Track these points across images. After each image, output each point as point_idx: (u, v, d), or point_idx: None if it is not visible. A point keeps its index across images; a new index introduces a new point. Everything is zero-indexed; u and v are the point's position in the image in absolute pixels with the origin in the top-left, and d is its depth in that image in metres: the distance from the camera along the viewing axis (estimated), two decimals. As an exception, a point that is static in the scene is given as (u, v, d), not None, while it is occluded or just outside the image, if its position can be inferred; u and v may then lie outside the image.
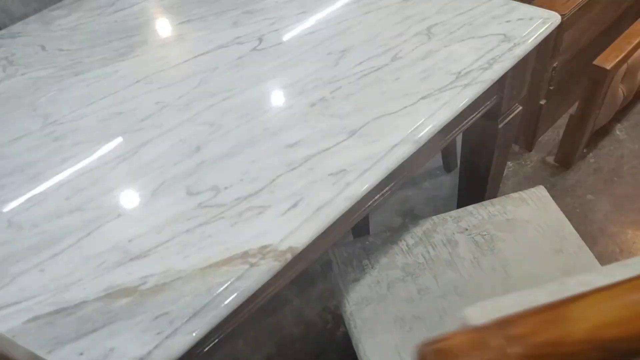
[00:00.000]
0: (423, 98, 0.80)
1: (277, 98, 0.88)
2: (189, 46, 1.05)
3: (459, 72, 0.83)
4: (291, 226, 0.66)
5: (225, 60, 0.99)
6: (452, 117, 0.76)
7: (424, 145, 0.76)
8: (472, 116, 0.88)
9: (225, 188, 0.73)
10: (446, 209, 1.19)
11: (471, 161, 1.12)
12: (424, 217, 1.08)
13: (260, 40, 1.02)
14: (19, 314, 0.63)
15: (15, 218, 0.75)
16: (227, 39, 1.05)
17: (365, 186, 0.67)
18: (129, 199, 0.75)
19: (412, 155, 0.74)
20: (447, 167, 1.62)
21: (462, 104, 0.77)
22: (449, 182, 1.57)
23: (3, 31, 1.23)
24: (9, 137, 0.91)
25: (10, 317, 0.63)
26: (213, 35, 1.07)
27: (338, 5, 1.07)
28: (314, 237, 0.64)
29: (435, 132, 0.75)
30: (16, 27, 1.23)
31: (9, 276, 0.68)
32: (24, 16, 1.32)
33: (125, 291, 0.63)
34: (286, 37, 1.02)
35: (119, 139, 0.86)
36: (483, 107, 0.91)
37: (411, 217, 1.51)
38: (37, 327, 0.61)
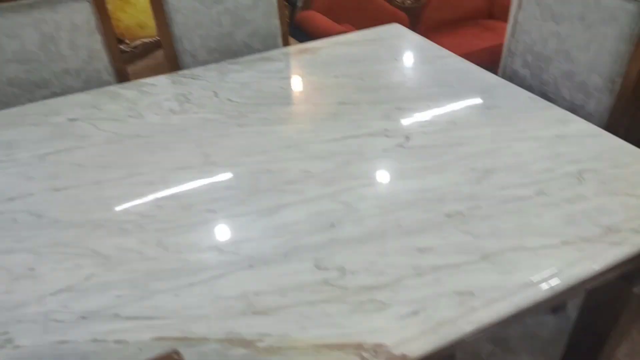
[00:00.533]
0: (565, 243, 0.79)
1: (415, 199, 0.91)
2: (341, 126, 1.14)
3: (609, 227, 0.81)
4: (409, 333, 0.67)
5: (371, 148, 1.06)
6: (594, 274, 0.74)
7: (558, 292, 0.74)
8: (608, 274, 0.85)
9: (352, 272, 0.77)
10: (544, 353, 1.11)
11: (590, 319, 1.05)
12: (518, 352, 1.02)
13: (407, 138, 1.09)
14: (149, 329, 0.70)
15: (164, 240, 0.85)
16: (376, 128, 1.13)
17: (493, 317, 0.67)
18: (262, 253, 0.81)
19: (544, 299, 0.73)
20: (553, 307, 1.52)
21: (607, 262, 0.75)
22: (553, 324, 1.47)
23: (187, 71, 1.43)
24: (174, 165, 1.04)
25: (141, 330, 0.70)
26: (364, 122, 1.16)
27: (488, 125, 1.12)
28: (429, 352, 0.64)
29: (573, 283, 0.73)
30: (198, 71, 1.43)
31: (149, 291, 0.76)
32: (205, 62, 1.53)
33: (244, 342, 0.67)
34: (433, 142, 1.07)
35: (264, 195, 0.94)
36: (623, 267, 0.87)
37: (503, 348, 1.42)
38: (162, 348, 0.67)
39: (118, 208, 0.92)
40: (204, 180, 0.99)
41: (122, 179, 1.00)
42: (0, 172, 1.04)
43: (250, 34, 1.57)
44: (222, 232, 0.86)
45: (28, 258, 0.82)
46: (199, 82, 1.37)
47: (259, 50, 1.60)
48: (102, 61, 1.43)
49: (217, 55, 1.54)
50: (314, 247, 0.82)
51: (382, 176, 1.00)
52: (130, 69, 2.44)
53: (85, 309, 0.73)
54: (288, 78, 1.38)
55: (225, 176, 1.00)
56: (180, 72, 1.43)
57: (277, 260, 0.80)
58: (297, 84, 1.35)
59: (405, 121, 1.16)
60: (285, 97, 1.28)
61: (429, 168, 0.99)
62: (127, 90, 1.34)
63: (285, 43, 1.66)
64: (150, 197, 0.95)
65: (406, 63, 1.43)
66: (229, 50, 1.56)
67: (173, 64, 1.53)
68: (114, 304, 0.74)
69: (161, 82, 1.38)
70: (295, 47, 1.56)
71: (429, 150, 1.05)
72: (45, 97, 1.40)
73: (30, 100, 1.39)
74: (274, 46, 1.63)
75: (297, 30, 2.34)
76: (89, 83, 1.43)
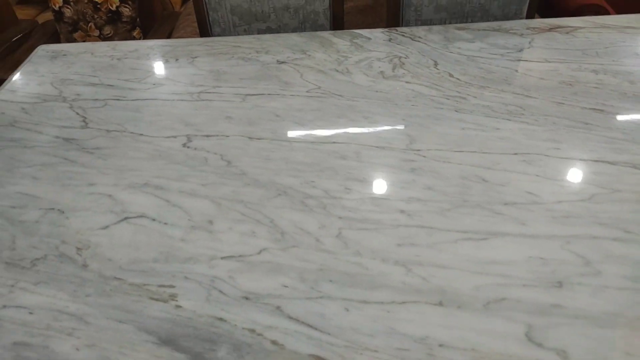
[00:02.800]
0: None
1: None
2: (594, 144, 0.87)
3: None
4: None
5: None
6: None
7: None
8: None
9: (578, 364, 0.56)
10: None
11: None
12: None
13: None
14: (309, 341, 0.59)
15: (345, 233, 0.73)
16: (642, 157, 0.83)
17: None
18: (458, 291, 0.64)
19: None
20: None
21: None
22: None
23: (406, 29, 1.26)
24: (371, 140, 0.91)
25: (300, 338, 0.60)
26: (624, 144, 0.86)
27: None
28: None
29: None
30: (419, 31, 1.24)
31: (317, 292, 0.65)
32: (429, 22, 1.34)
33: (414, 407, 0.53)
34: None
35: (473, 211, 0.75)
36: None
37: None
38: (317, 373, 0.57)
39: (305, 177, 0.83)
40: (402, 170, 0.84)
41: (313, 144, 0.90)
42: (212, 105, 1.03)
43: (490, -4, 1.31)
44: (412, 246, 0.71)
45: (209, 208, 0.78)
46: (418, 44, 1.19)
47: (495, 18, 1.33)
48: (322, 3, 1.33)
49: (444, 15, 1.33)
50: (527, 306, 0.62)
51: (641, 230, 0.72)
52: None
53: (250, 288, 0.66)
54: (528, 60, 1.11)
55: (427, 171, 0.83)
56: (400, 29, 1.26)
57: (475, 307, 0.62)
58: (538, 70, 1.08)
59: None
60: (520, 85, 1.03)
61: None
62: (339, 39, 1.23)
63: (531, 14, 1.36)
64: (340, 174, 0.83)
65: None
66: (460, 12, 1.33)
67: (393, 17, 1.37)
68: (279, 293, 0.65)
69: (376, 37, 1.23)
70: (543, 21, 1.26)
71: None
72: (260, 31, 1.38)
73: (246, 32, 1.38)
74: (516, 15, 1.35)
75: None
76: (305, 23, 1.36)
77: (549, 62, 1.10)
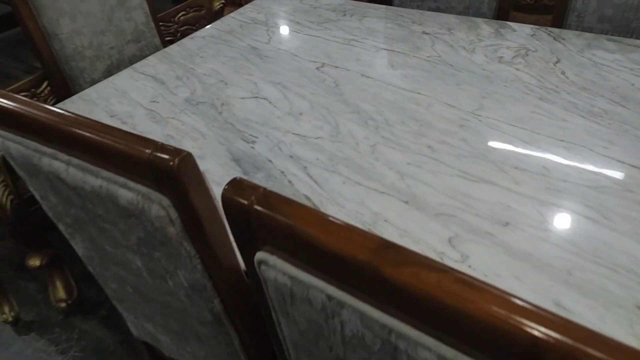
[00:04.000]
0: None
1: None
2: (650, 154, 0.87)
3: None
4: None
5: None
6: None
7: None
8: None
9: None
10: None
11: None
12: None
13: None
14: (308, 189, 0.88)
15: (378, 146, 0.96)
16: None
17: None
18: (425, 199, 0.82)
19: None
20: None
21: None
22: None
23: (556, 29, 1.31)
24: (451, 103, 1.09)
25: (299, 184, 0.88)
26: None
27: None
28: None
29: None
30: (568, 34, 1.29)
31: (333, 168, 0.92)
32: (590, 29, 1.35)
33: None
34: None
35: (483, 164, 0.89)
36: None
37: None
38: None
39: (379, 108, 1.07)
40: (454, 123, 1.01)
41: (402, 90, 1.12)
42: (353, 50, 1.33)
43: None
44: (417, 167, 0.90)
45: (306, 106, 1.11)
46: (556, 44, 1.25)
47: (664, 39, 1.27)
48: (489, -5, 1.47)
49: (606, 27, 1.32)
50: (468, 226, 0.76)
51: None
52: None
53: (296, 152, 0.97)
54: (657, 80, 1.08)
55: (474, 130, 0.98)
56: (550, 29, 1.32)
57: (429, 212, 0.80)
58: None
59: None
60: (624, 96, 1.04)
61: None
62: (487, 26, 1.37)
63: None
64: (406, 114, 1.05)
65: None
66: (626, 26, 1.30)
67: (558, 20, 1.42)
68: (311, 162, 0.94)
69: (522, 31, 1.33)
70: None
71: None
72: (430, 8, 1.59)
73: (419, 7, 1.61)
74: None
75: None
76: (469, 9, 1.52)
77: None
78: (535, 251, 0.72)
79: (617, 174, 0.85)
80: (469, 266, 0.71)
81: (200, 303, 0.68)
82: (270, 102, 1.13)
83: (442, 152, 0.93)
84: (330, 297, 0.42)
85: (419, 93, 1.12)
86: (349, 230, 0.41)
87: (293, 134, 1.03)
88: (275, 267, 0.45)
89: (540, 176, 0.85)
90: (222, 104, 1.15)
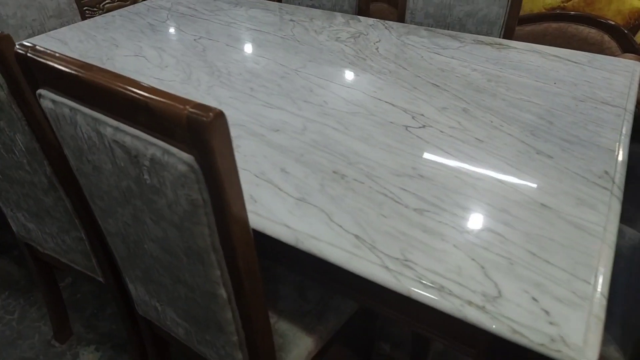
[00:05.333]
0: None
1: None
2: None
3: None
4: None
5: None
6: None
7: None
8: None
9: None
10: None
11: None
12: None
13: (431, 130, 1.06)
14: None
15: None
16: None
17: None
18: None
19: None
20: None
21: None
22: None
23: (392, 22, 1.65)
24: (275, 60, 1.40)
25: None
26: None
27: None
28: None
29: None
30: (399, 26, 1.63)
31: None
32: (420, 24, 1.69)
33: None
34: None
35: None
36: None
37: None
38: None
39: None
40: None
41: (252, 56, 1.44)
42: (226, 28, 1.65)
43: (468, 13, 1.60)
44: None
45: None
46: (387, 31, 1.59)
47: (470, 32, 1.62)
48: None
49: (430, 21, 1.68)
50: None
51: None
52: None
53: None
54: (439, 54, 1.41)
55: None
56: (388, 22, 1.66)
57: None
58: (438, 60, 1.38)
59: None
60: (409, 63, 1.37)
61: None
62: (341, 18, 1.71)
63: (508, 35, 1.60)
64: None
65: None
66: (443, 22, 1.66)
67: (400, 17, 1.76)
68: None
69: (366, 22, 1.67)
70: (491, 39, 1.51)
71: None
72: (307, 5, 1.93)
73: (299, 4, 1.95)
74: (487, 34, 1.61)
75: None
76: (335, 6, 1.87)
77: (454, 58, 1.39)
78: (288, 145, 1.02)
79: (372, 106, 1.16)
80: (240, 152, 1.00)
81: (37, 170, 0.95)
82: (146, 59, 1.42)
83: (258, 92, 1.23)
84: (71, 109, 0.71)
85: (262, 57, 1.43)
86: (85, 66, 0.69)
87: (154, 78, 1.31)
88: (47, 97, 0.73)
89: (318, 106, 1.16)
90: (108, 58, 1.43)
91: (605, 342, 0.99)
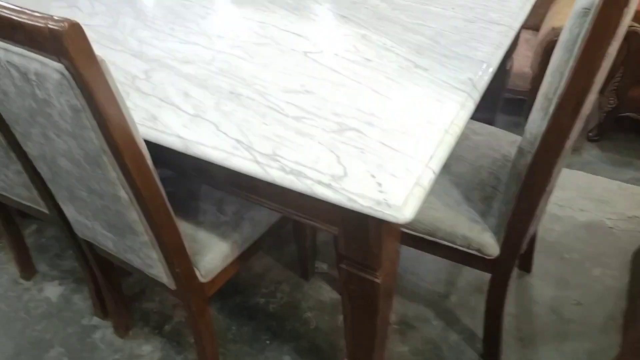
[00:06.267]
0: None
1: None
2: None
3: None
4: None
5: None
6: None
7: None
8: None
9: (149, 82, 1.10)
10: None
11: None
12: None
13: (330, 55, 1.17)
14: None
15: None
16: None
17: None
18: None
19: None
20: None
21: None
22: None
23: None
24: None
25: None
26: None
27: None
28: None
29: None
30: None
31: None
32: None
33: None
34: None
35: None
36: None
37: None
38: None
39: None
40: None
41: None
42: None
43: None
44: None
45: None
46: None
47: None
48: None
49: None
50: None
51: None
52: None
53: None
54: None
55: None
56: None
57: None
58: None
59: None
60: None
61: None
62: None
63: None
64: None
65: None
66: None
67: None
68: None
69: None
70: None
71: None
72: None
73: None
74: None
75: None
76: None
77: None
78: (195, 73, 1.12)
79: (280, 38, 1.25)
80: (150, 82, 1.10)
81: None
82: (78, 8, 1.50)
83: (179, 31, 1.32)
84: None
85: (189, 1, 1.51)
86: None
87: (84, 24, 1.39)
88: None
89: (230, 40, 1.26)
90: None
91: (482, 230, 1.13)
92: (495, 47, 1.14)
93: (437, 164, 0.82)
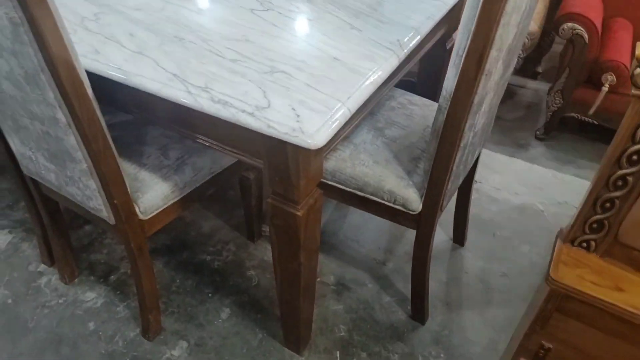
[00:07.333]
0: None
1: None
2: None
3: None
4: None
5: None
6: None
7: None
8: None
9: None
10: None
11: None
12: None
13: (277, 15, 1.24)
14: None
15: None
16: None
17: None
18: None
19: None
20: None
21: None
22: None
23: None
24: None
25: None
26: None
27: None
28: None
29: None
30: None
31: None
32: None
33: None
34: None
35: None
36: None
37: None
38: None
39: None
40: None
41: None
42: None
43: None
44: None
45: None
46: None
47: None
48: None
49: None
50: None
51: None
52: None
53: None
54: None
55: None
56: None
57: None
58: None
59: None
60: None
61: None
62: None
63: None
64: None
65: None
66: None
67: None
68: None
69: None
70: None
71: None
72: None
73: None
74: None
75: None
76: None
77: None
78: (143, 19, 1.17)
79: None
80: (99, 23, 1.15)
81: None
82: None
83: None
84: None
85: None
86: None
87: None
88: None
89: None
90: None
91: (406, 186, 1.22)
92: (426, 18, 1.24)
93: (353, 104, 0.90)
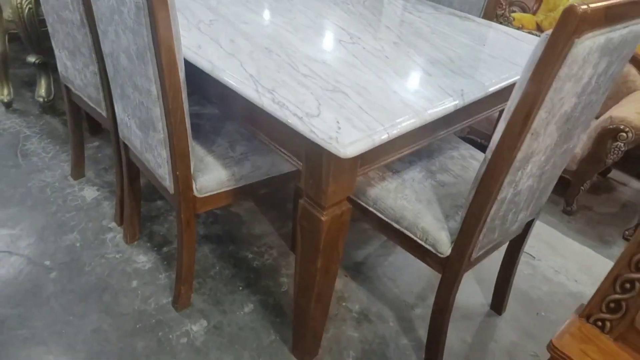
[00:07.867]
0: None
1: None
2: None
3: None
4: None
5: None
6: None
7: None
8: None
9: (210, 28, 1.35)
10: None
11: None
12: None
13: (360, 49, 1.36)
14: None
15: (221, -5, 1.64)
16: (367, 41, 1.43)
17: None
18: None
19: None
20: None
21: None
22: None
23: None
24: None
25: None
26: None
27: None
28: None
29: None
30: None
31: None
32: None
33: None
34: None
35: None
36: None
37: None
38: None
39: None
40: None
41: None
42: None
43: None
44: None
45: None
46: (384, -4, 1.89)
47: (453, 7, 1.88)
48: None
49: (427, -3, 1.95)
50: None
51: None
52: None
53: None
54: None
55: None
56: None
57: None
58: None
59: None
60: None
61: (321, 50, 1.31)
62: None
63: (487, 18, 1.83)
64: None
65: None
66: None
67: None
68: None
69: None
70: (464, 14, 1.76)
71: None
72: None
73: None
74: (469, 12, 1.86)
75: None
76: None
77: (420, 18, 1.67)
78: (246, 30, 1.36)
79: (327, 28, 1.48)
80: (211, 27, 1.35)
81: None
82: None
83: (252, 3, 1.59)
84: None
85: (271, -12, 1.79)
86: None
87: (183, -16, 1.72)
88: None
89: (288, 20, 1.49)
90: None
91: (440, 228, 1.24)
92: (499, 78, 1.28)
93: (394, 131, 0.98)
